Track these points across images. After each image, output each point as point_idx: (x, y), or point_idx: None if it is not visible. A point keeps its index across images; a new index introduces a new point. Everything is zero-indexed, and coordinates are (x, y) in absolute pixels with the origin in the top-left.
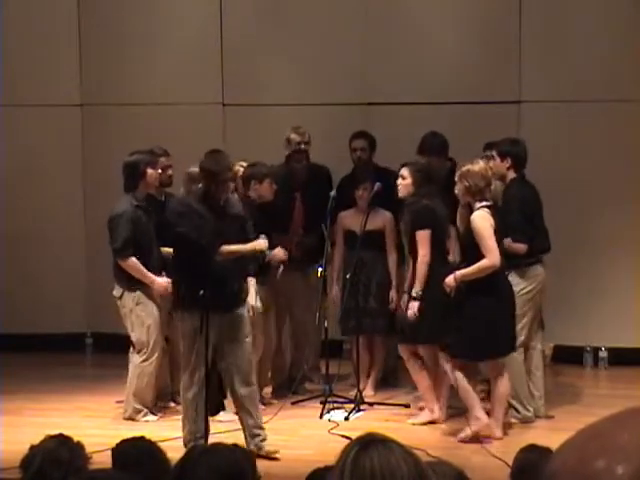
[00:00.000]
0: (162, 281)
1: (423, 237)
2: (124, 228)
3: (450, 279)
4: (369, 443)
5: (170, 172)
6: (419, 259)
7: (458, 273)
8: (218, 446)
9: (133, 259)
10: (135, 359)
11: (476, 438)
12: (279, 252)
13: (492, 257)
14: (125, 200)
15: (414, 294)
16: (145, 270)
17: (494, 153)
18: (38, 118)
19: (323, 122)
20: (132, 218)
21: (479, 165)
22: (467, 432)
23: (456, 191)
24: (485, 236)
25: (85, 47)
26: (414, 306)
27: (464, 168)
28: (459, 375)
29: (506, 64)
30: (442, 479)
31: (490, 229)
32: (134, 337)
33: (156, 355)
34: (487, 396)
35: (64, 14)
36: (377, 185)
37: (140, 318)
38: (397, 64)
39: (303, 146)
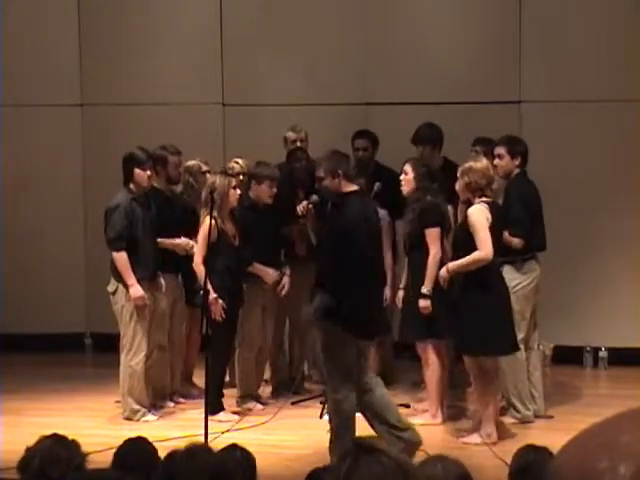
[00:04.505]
0: (140, 292)
1: (434, 235)
2: (118, 220)
3: (443, 271)
4: (359, 454)
5: (180, 170)
6: (430, 257)
7: (451, 265)
8: (197, 448)
9: (123, 253)
10: (122, 358)
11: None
12: (271, 276)
13: (485, 249)
14: (121, 193)
15: (425, 292)
16: (130, 270)
17: (504, 151)
18: (38, 118)
19: (323, 122)
20: (126, 210)
21: (481, 163)
22: (472, 439)
23: (457, 187)
24: (479, 228)
25: (85, 47)
26: (426, 304)
27: (466, 164)
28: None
29: (506, 64)
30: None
31: (486, 223)
32: (121, 333)
33: (143, 354)
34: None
35: (64, 14)
36: (377, 185)
37: (128, 315)
38: (397, 64)
39: (299, 144)
